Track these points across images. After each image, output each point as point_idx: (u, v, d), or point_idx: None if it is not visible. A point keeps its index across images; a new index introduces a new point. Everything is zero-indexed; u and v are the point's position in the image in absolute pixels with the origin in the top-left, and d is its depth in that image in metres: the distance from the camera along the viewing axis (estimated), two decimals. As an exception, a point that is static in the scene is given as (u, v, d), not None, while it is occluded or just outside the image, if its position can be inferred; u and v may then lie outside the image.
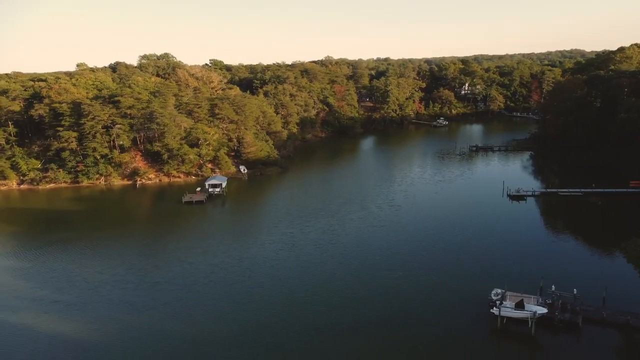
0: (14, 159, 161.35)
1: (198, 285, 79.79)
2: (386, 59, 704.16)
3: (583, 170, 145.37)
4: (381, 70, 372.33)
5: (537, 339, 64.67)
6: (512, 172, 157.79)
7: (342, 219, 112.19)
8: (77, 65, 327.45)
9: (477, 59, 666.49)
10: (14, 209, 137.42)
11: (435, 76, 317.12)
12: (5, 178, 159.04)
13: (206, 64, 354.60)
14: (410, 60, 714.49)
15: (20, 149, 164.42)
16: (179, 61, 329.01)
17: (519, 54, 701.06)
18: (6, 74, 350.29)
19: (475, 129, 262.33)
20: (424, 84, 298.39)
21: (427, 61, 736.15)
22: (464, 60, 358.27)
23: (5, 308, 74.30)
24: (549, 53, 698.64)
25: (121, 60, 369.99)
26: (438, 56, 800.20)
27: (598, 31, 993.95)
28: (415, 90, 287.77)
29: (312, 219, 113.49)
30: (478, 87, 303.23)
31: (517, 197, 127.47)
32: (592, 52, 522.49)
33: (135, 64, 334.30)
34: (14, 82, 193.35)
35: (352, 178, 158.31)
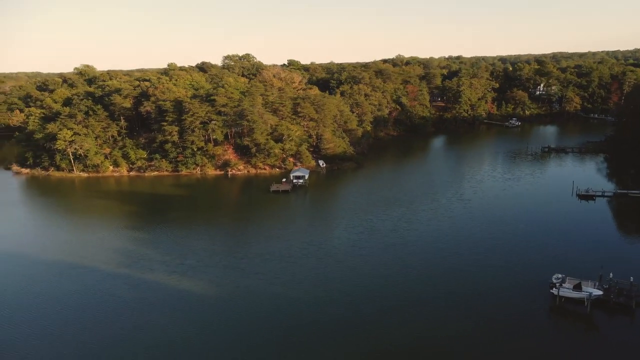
0: (124, 149, 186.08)
1: (294, 257, 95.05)
2: (458, 57, 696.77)
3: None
4: (453, 70, 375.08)
5: (592, 318, 73.61)
6: (584, 173, 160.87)
7: (415, 209, 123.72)
8: (168, 65, 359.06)
9: (556, 57, 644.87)
10: (128, 192, 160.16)
11: (509, 76, 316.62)
12: (117, 166, 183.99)
13: (284, 64, 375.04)
14: (484, 59, 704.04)
15: (130, 140, 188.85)
16: (259, 61, 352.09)
17: (602, 51, 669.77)
18: (107, 72, 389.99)
19: (549, 130, 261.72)
20: (497, 84, 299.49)
21: (502, 59, 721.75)
22: (540, 61, 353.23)
23: (144, 268, 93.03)
24: (636, 50, 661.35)
25: (206, 60, 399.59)
26: (513, 54, 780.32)
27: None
28: (487, 90, 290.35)
29: (387, 208, 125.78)
30: (554, 87, 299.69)
31: (586, 197, 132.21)
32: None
33: (219, 64, 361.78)
34: (124, 82, 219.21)
35: (422, 174, 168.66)
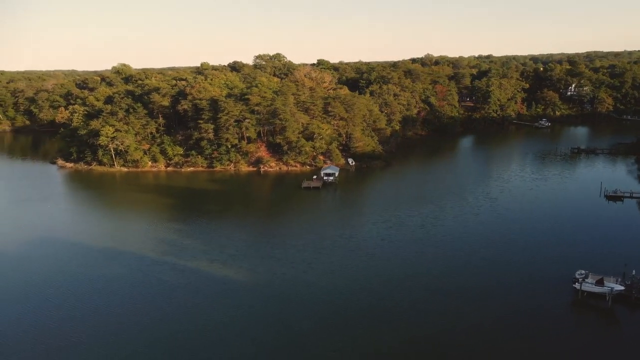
0: (162, 145, 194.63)
1: (326, 249, 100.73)
2: (488, 57, 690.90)
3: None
4: (483, 69, 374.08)
5: (613, 312, 76.85)
6: (614, 174, 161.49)
7: (442, 207, 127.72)
8: (201, 65, 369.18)
9: (589, 56, 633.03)
10: (166, 186, 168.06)
11: (539, 77, 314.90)
12: (156, 161, 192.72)
13: (314, 64, 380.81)
14: (514, 58, 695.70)
15: (168, 137, 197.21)
16: (289, 61, 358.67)
17: (638, 50, 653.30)
18: (143, 71, 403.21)
19: (580, 132, 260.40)
20: (527, 84, 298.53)
21: (533, 59, 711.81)
22: (571, 61, 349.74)
23: (188, 256, 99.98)
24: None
25: (236, 59, 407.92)
26: (545, 53, 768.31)
27: None
28: (517, 90, 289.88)
29: (415, 205, 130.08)
30: (585, 88, 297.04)
31: (614, 198, 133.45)
32: None
33: (250, 62, 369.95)
34: (162, 81, 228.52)
35: (450, 173, 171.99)
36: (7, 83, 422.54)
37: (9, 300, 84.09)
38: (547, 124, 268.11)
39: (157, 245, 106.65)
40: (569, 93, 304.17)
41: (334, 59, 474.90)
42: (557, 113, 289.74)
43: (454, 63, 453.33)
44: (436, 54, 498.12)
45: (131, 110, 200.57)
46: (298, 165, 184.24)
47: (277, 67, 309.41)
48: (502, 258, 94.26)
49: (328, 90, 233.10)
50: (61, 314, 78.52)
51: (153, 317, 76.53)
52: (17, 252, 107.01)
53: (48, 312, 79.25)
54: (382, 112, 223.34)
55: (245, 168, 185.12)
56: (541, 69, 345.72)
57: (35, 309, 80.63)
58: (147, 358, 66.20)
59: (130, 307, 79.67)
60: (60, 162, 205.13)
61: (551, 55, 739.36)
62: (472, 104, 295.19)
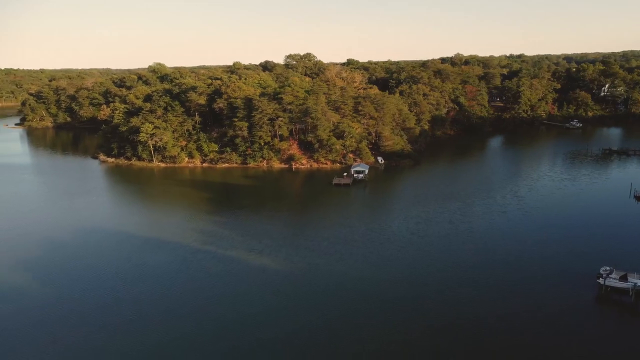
0: (198, 142, 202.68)
1: (357, 242, 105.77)
2: (520, 56, 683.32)
3: None
4: (514, 69, 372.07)
5: (637, 307, 79.36)
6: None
7: (470, 204, 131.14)
8: (233, 64, 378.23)
9: (626, 55, 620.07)
10: (202, 181, 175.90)
11: (571, 77, 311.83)
12: (192, 157, 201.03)
13: (343, 63, 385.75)
14: (547, 57, 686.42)
15: (204, 134, 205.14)
16: (320, 60, 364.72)
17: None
18: (177, 70, 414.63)
19: (613, 133, 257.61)
20: (559, 85, 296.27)
21: (567, 58, 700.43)
22: (605, 61, 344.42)
23: (227, 245, 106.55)
24: None
25: (268, 59, 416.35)
26: (579, 52, 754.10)
27: None
28: (549, 91, 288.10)
29: (443, 202, 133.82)
30: (619, 89, 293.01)
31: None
32: None
33: (281, 62, 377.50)
34: (198, 80, 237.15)
35: (479, 172, 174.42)
36: (50, 81, 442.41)
37: (66, 281, 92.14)
38: (578, 125, 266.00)
39: (197, 236, 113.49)
40: (602, 94, 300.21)
41: (362, 59, 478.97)
42: (590, 114, 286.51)
43: (484, 63, 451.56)
44: (466, 53, 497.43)
45: (169, 108, 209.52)
46: (329, 162, 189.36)
47: (308, 67, 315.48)
48: (527, 254, 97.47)
49: (358, 89, 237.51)
50: (115, 295, 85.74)
51: (198, 300, 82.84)
52: (66, 240, 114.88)
53: (102, 294, 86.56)
54: (411, 111, 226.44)
55: (277, 165, 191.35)
56: (573, 69, 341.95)
57: (91, 290, 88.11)
58: (194, 336, 72.23)
59: (176, 292, 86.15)
60: (102, 157, 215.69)
61: (585, 54, 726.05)
62: (502, 104, 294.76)
